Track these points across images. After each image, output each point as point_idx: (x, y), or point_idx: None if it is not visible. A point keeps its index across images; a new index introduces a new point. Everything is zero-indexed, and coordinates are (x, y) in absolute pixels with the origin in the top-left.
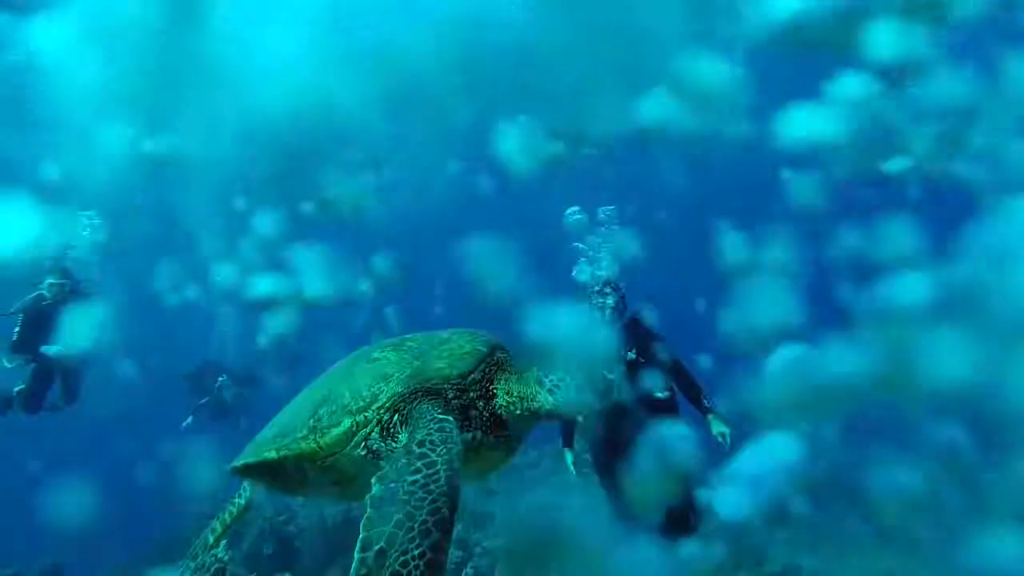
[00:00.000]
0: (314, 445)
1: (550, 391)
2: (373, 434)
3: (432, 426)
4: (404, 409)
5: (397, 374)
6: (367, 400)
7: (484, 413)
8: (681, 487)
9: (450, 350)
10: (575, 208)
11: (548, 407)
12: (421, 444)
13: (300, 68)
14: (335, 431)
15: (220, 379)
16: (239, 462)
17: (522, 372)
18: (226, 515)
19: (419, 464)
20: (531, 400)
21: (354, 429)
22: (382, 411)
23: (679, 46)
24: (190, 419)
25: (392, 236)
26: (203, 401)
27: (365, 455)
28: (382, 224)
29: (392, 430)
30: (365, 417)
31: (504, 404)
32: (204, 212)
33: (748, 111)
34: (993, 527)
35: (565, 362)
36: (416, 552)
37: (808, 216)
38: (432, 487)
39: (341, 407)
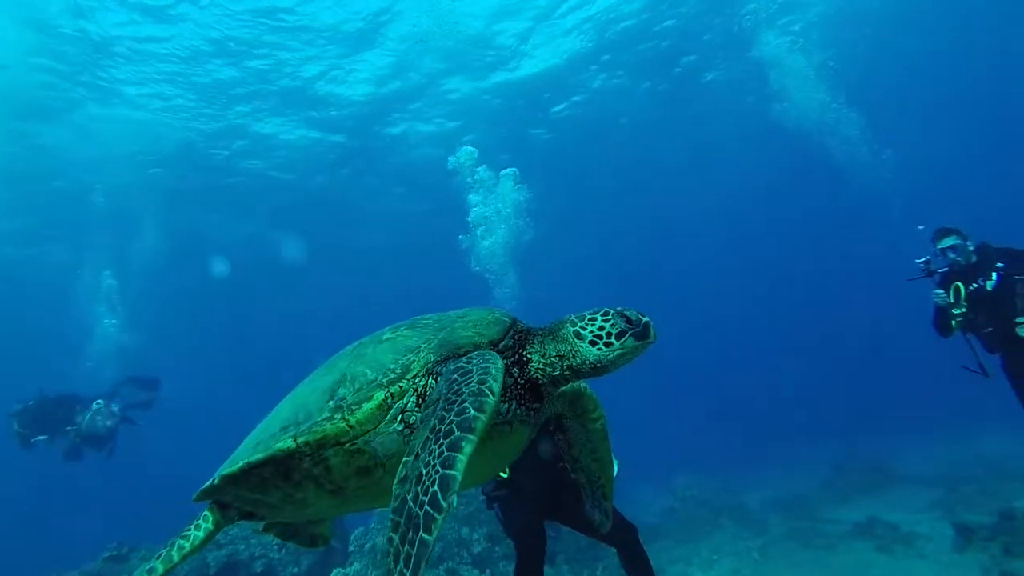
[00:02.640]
0: (343, 424)
1: (592, 342)
2: (410, 404)
3: (472, 355)
4: (439, 372)
5: (424, 345)
6: (398, 372)
7: (520, 380)
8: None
9: (474, 321)
10: None
11: (593, 359)
12: (458, 368)
13: None
14: (367, 405)
15: (96, 404)
16: (227, 470)
17: (555, 331)
18: (174, 552)
19: (455, 376)
20: (572, 356)
21: (389, 401)
22: (417, 380)
23: None
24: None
25: None
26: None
27: (402, 430)
28: None
29: (429, 396)
30: (400, 387)
31: (540, 367)
32: None
33: None
34: None
35: (596, 310)
36: (436, 450)
37: None
38: (463, 389)
39: (367, 383)
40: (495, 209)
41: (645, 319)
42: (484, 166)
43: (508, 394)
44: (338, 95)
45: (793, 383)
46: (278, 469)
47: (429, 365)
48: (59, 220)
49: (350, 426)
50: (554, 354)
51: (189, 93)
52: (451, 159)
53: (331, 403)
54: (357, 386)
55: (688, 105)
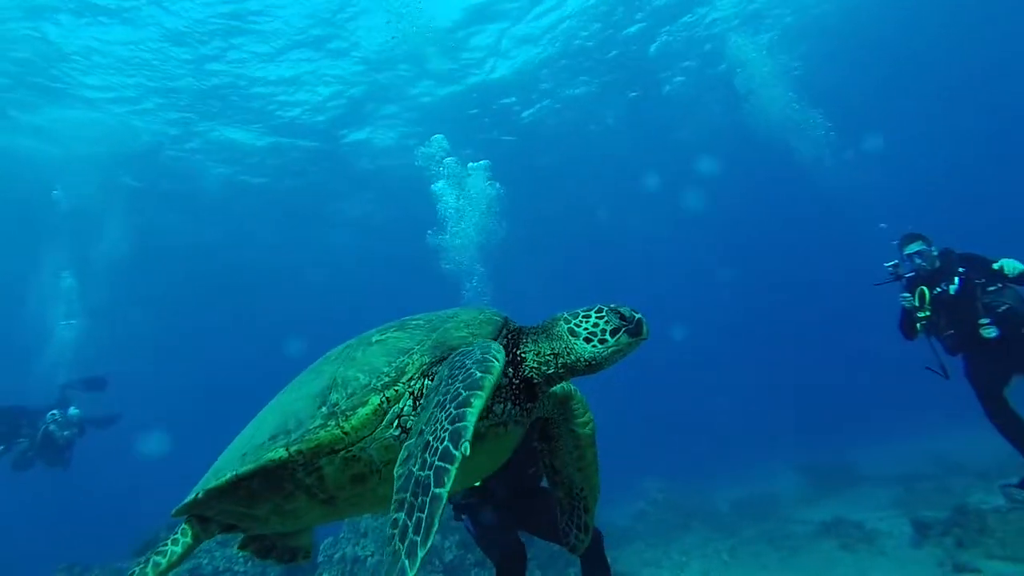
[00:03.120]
0: (337, 432)
1: (587, 339)
2: (406, 408)
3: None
4: (433, 374)
5: (418, 347)
6: (392, 375)
7: (514, 380)
8: None
9: (466, 321)
10: None
11: (588, 356)
12: (459, 352)
13: None
14: (362, 411)
15: (51, 415)
16: (212, 484)
17: (548, 329)
18: (148, 569)
19: (456, 359)
20: (566, 354)
21: (385, 406)
22: (412, 383)
23: None
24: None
25: None
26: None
27: (399, 435)
28: None
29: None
30: (396, 391)
31: (535, 366)
32: None
33: None
34: None
35: (589, 307)
36: (444, 415)
37: None
38: (466, 361)
39: (361, 387)
40: (465, 204)
41: (638, 316)
42: (454, 158)
43: (503, 394)
44: (303, 100)
45: (760, 386)
46: (268, 480)
47: (424, 367)
48: (15, 221)
49: (345, 433)
50: (548, 352)
51: (154, 96)
52: (421, 149)
53: (323, 409)
54: (350, 391)
55: (654, 109)
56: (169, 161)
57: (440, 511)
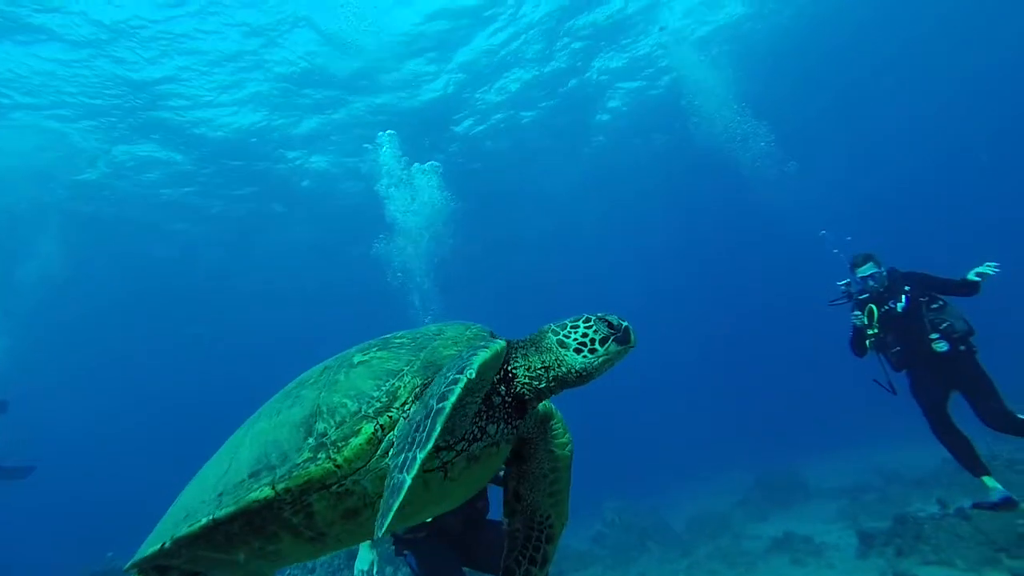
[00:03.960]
0: (328, 465)
1: (577, 350)
2: None
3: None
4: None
5: (407, 368)
6: (384, 400)
7: (507, 399)
8: None
9: (453, 338)
10: None
11: (579, 367)
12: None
13: None
14: (355, 441)
15: None
16: (185, 530)
17: (537, 342)
18: None
19: (449, 363)
20: (557, 366)
21: (379, 434)
22: (407, 408)
23: None
24: None
25: None
26: None
27: None
28: None
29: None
30: (389, 418)
31: (526, 381)
32: None
33: None
34: None
35: (577, 317)
36: (436, 392)
37: None
38: (463, 353)
39: (351, 415)
40: (414, 208)
41: (625, 324)
42: (406, 157)
43: (496, 414)
44: (231, 120)
45: (711, 402)
46: (251, 522)
47: (417, 390)
48: None
49: (337, 466)
50: (539, 366)
51: (86, 119)
52: (368, 146)
53: (311, 440)
54: (339, 419)
55: (598, 129)
56: (103, 179)
57: (446, 419)
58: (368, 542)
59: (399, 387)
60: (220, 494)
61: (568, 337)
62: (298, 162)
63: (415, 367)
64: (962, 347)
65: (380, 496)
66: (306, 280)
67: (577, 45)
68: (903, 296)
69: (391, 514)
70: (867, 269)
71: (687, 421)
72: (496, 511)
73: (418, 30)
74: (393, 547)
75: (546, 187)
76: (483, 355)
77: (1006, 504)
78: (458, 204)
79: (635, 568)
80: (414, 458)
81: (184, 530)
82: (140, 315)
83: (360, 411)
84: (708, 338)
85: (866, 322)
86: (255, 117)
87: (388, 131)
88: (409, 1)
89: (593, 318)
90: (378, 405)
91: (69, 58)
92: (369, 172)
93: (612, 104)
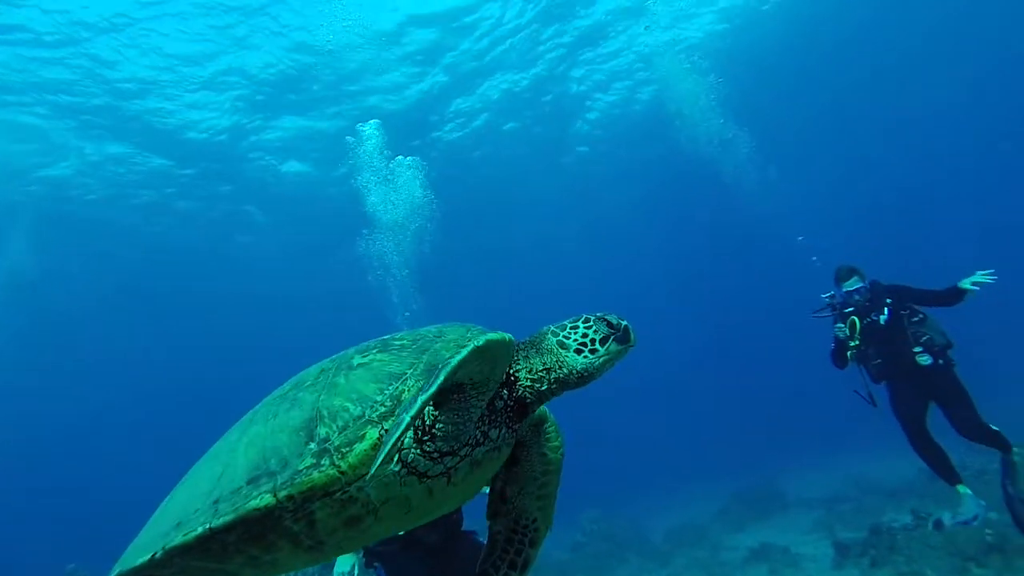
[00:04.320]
0: (333, 472)
1: (577, 351)
2: (406, 440)
3: None
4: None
5: (410, 371)
6: (388, 405)
7: (509, 403)
8: None
9: (455, 340)
10: None
11: (580, 368)
12: None
13: None
14: (360, 447)
15: None
16: (179, 540)
17: (537, 344)
18: None
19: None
20: (559, 368)
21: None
22: None
23: None
24: None
25: None
26: None
27: (399, 471)
28: None
29: (428, 428)
30: (394, 422)
31: (528, 384)
32: None
33: None
34: None
35: (576, 318)
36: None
37: None
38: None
39: (354, 419)
40: (395, 200)
41: (624, 323)
42: (387, 151)
43: (499, 418)
44: (208, 125)
45: (690, 411)
46: (249, 531)
47: None
48: None
49: (341, 472)
50: (540, 368)
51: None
52: (351, 139)
53: (312, 446)
54: (341, 424)
55: (582, 134)
56: (76, 176)
57: (433, 392)
58: None
59: (403, 391)
60: (216, 501)
61: (568, 338)
62: (276, 164)
63: (418, 370)
64: (941, 361)
65: (384, 503)
66: (286, 281)
67: (556, 54)
68: (885, 309)
69: (386, 449)
70: (853, 283)
71: (666, 430)
72: (470, 522)
73: (402, 31)
74: (364, 558)
75: (528, 194)
76: (495, 335)
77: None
78: (440, 205)
79: None
80: (415, 400)
81: (178, 539)
82: (112, 317)
83: (363, 415)
84: (687, 347)
85: (848, 334)
86: (234, 119)
87: (372, 120)
88: (391, 5)
89: (592, 318)
90: (382, 410)
91: (46, 55)
92: (351, 167)
93: (591, 116)
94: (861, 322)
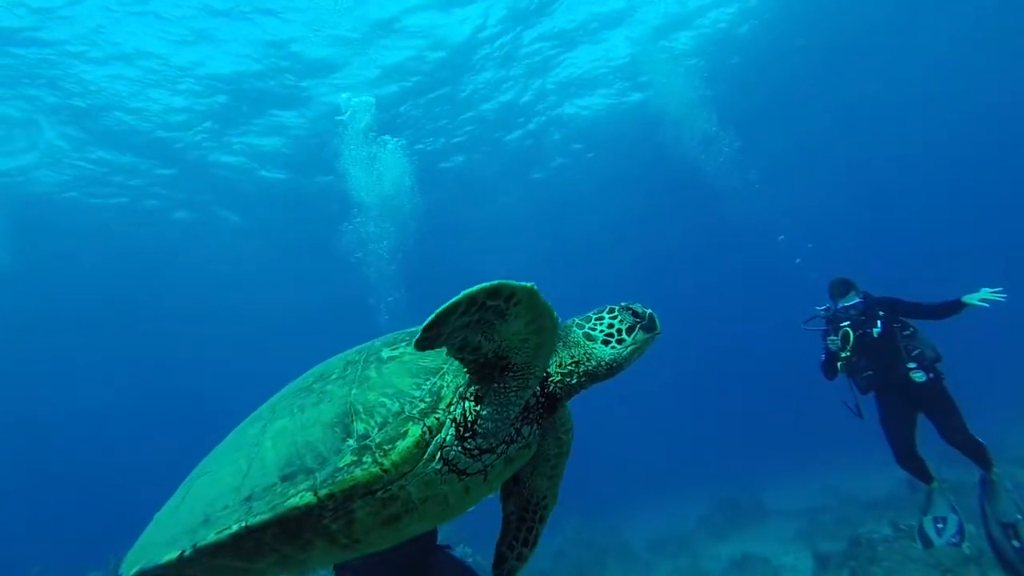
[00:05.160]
0: (375, 469)
1: (604, 341)
2: (448, 438)
3: None
4: (472, 395)
5: (446, 366)
6: (429, 401)
7: (540, 399)
8: None
9: None
10: None
11: (608, 358)
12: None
13: None
14: (403, 444)
15: None
16: (212, 538)
17: (563, 337)
18: None
19: None
20: (587, 360)
21: (427, 437)
22: (452, 409)
23: None
24: None
25: None
26: None
27: (441, 468)
28: None
29: (469, 425)
30: (436, 420)
31: (559, 379)
32: None
33: None
34: None
35: (600, 309)
36: None
37: None
38: None
39: (394, 415)
40: (379, 173)
41: (649, 311)
42: (373, 132)
43: (531, 415)
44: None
45: (673, 423)
46: (286, 530)
47: (460, 389)
48: None
49: (384, 471)
50: (569, 361)
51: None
52: (344, 109)
53: (351, 443)
54: (379, 420)
55: (567, 140)
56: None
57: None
58: None
59: (442, 387)
60: (248, 499)
61: (594, 329)
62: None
63: (454, 365)
64: (932, 375)
65: (424, 501)
66: (268, 275)
67: (539, 56)
68: (878, 322)
69: (435, 315)
70: (850, 299)
71: (649, 438)
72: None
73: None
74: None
75: (515, 195)
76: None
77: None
78: (425, 198)
79: None
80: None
81: (211, 538)
82: (79, 316)
83: (403, 412)
84: (668, 355)
85: (840, 345)
86: (204, 109)
87: (365, 97)
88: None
89: (617, 308)
90: (422, 406)
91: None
92: (335, 148)
93: (571, 123)
94: (855, 333)
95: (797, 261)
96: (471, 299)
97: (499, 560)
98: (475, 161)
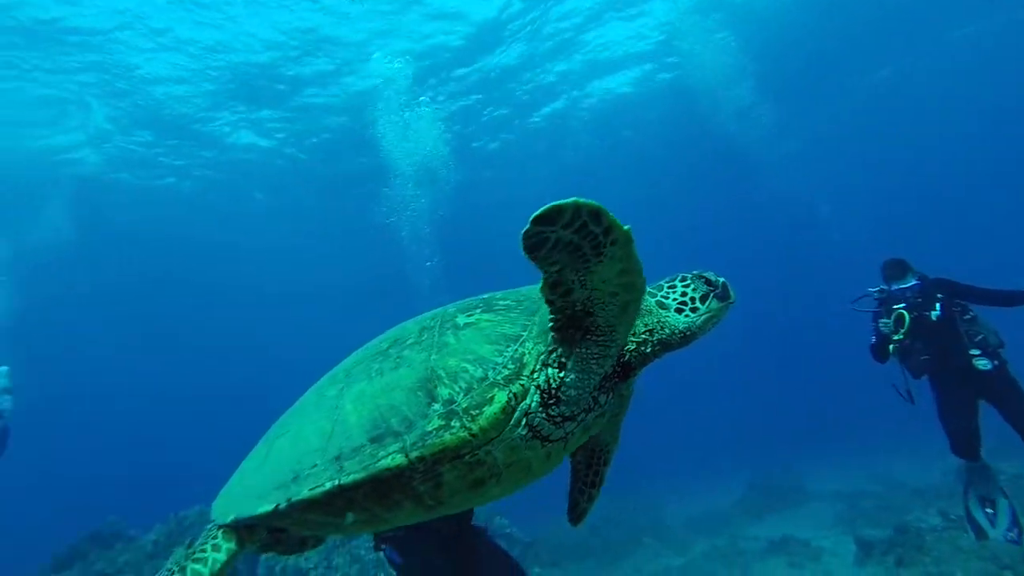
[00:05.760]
0: (464, 434)
1: (678, 310)
2: (533, 404)
3: None
4: (555, 361)
5: (525, 333)
6: (512, 367)
7: (616, 368)
8: None
9: None
10: None
11: (682, 327)
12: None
13: None
14: (490, 410)
15: None
16: (306, 494)
17: None
18: None
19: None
20: (661, 329)
21: (512, 403)
22: (536, 376)
23: None
24: None
25: None
26: None
27: (526, 434)
28: None
29: (553, 391)
30: (521, 387)
31: (634, 348)
32: None
33: None
34: None
35: (672, 277)
36: None
37: None
38: None
39: (478, 381)
40: (410, 137)
41: (722, 279)
42: (406, 96)
43: (607, 384)
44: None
45: (711, 403)
46: (376, 489)
47: (542, 357)
48: None
49: (472, 435)
50: (643, 330)
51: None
52: (380, 74)
53: (437, 407)
54: (463, 385)
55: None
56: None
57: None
58: None
59: (523, 353)
60: (337, 458)
61: (667, 298)
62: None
63: (533, 332)
64: (996, 362)
65: (508, 467)
66: (304, 253)
67: (567, 34)
68: (936, 304)
69: (545, 209)
70: (907, 281)
71: (687, 418)
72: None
73: None
74: (372, 542)
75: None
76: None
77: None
78: (456, 175)
79: (630, 562)
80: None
81: (304, 494)
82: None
83: (487, 378)
84: (709, 335)
85: (893, 328)
86: (234, 89)
87: (398, 64)
88: None
89: (689, 276)
90: (506, 372)
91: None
92: (371, 114)
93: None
94: (910, 316)
95: (837, 236)
96: (577, 209)
97: (572, 505)
98: (508, 142)
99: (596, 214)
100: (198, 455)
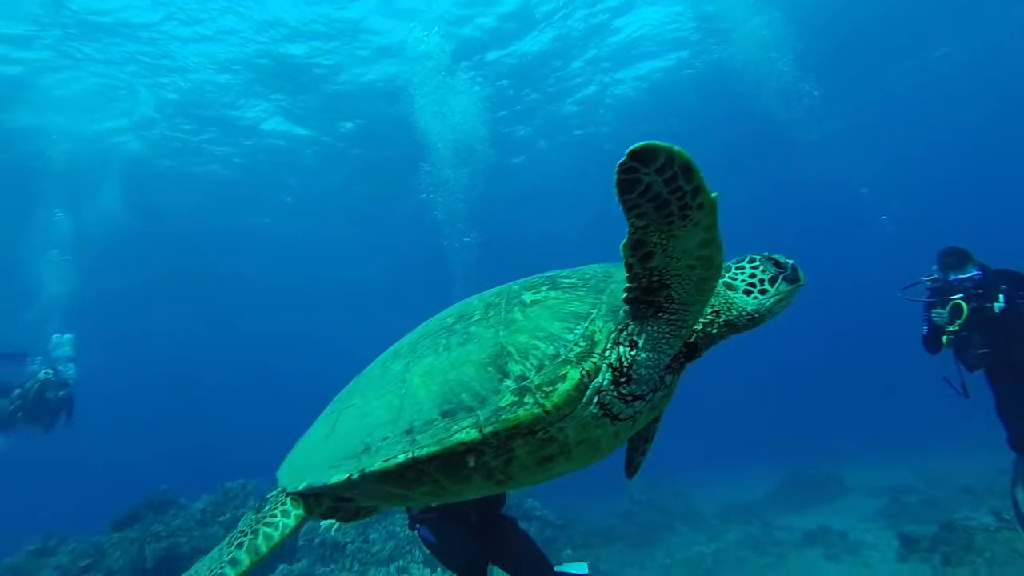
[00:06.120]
0: (537, 410)
1: (746, 291)
2: (605, 382)
3: None
4: (626, 340)
5: (595, 312)
6: (584, 345)
7: (683, 348)
8: None
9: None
10: None
11: (750, 309)
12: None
13: None
14: (563, 387)
15: (44, 372)
16: (379, 465)
17: None
18: (260, 542)
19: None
20: (728, 310)
21: (585, 380)
22: (607, 354)
23: None
24: None
25: None
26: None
27: (597, 412)
28: None
29: (625, 369)
30: (593, 364)
31: (699, 328)
32: None
33: None
34: None
35: (740, 258)
36: None
37: None
38: None
39: (549, 358)
40: (448, 110)
41: (791, 261)
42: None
43: (673, 364)
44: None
45: (750, 389)
46: (448, 463)
47: (612, 335)
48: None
49: (546, 412)
50: (710, 312)
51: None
52: (415, 41)
53: (509, 383)
54: (535, 362)
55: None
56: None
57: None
58: None
59: (594, 331)
60: (408, 431)
61: (735, 279)
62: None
63: (602, 311)
64: None
65: (578, 444)
66: (343, 241)
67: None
68: (1000, 296)
69: (642, 145)
70: (968, 271)
71: (720, 408)
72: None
73: None
74: (407, 522)
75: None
76: None
77: None
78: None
79: (661, 547)
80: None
81: (378, 465)
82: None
83: (559, 355)
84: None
85: (948, 319)
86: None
87: (435, 38)
88: None
89: (758, 258)
90: (578, 350)
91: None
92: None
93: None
94: (968, 307)
95: (883, 218)
96: (670, 156)
97: (629, 463)
98: (538, 128)
99: (687, 168)
100: (240, 434)
